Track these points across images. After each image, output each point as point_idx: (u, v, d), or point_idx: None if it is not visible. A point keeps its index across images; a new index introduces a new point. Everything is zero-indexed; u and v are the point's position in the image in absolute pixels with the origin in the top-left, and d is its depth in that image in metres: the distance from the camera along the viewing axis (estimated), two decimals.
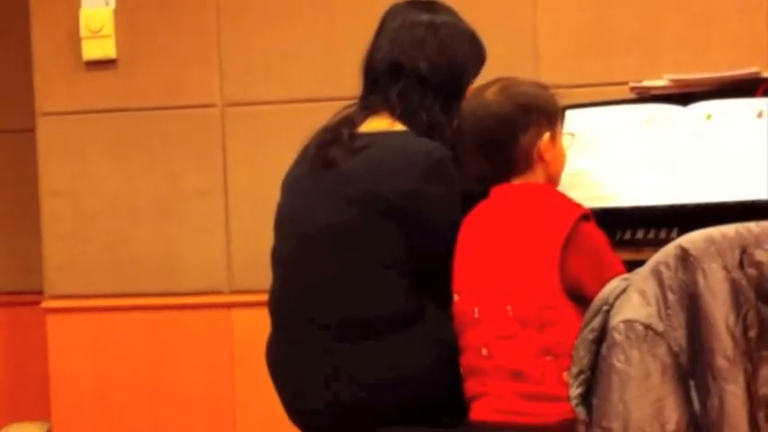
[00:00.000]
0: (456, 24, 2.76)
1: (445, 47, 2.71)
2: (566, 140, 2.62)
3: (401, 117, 2.68)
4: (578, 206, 2.47)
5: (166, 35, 3.86)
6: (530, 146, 2.52)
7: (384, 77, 2.72)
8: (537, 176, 2.54)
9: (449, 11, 2.79)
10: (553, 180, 2.57)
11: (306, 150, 2.77)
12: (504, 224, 2.49)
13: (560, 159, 2.59)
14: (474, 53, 2.77)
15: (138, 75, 3.88)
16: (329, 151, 2.67)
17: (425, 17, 2.73)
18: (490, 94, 2.56)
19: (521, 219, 2.47)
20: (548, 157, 2.53)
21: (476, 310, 2.46)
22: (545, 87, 2.60)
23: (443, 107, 2.67)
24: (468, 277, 2.50)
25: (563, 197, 2.52)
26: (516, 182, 2.53)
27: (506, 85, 2.56)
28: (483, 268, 2.48)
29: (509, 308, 2.41)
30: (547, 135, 2.53)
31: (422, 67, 2.68)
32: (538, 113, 2.53)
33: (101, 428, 3.91)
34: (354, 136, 2.68)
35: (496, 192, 2.54)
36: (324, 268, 2.61)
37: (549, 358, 2.36)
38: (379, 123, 2.70)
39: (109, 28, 3.86)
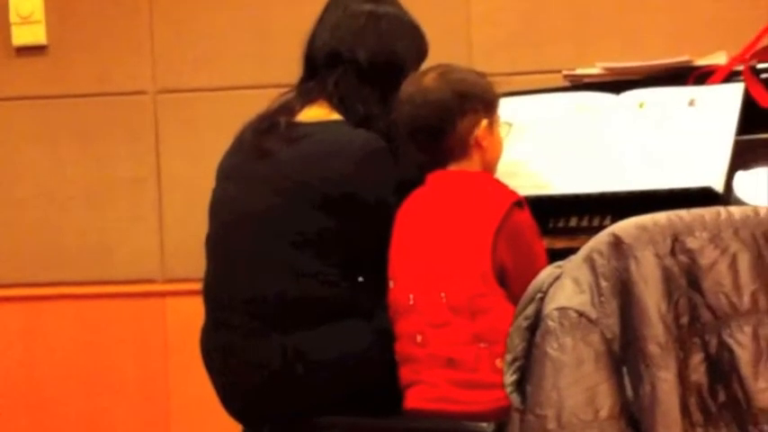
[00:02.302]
0: (398, 16, 2.75)
1: (385, 38, 2.70)
2: (503, 130, 2.63)
3: (338, 106, 2.67)
4: (512, 193, 2.47)
5: (98, 21, 3.82)
6: (467, 132, 2.52)
7: (322, 65, 2.72)
8: (473, 164, 2.54)
9: (393, 2, 2.78)
10: (489, 168, 2.57)
11: (241, 137, 2.75)
12: (438, 211, 2.49)
13: (497, 147, 2.59)
14: (414, 47, 2.76)
15: (68, 61, 3.84)
16: (265, 141, 2.66)
17: (368, 7, 2.72)
18: (428, 80, 2.55)
19: (455, 205, 2.48)
20: (485, 144, 2.53)
21: (410, 297, 2.46)
22: (482, 75, 2.60)
23: (380, 98, 2.66)
24: (404, 264, 2.50)
25: (498, 184, 2.52)
26: (453, 168, 2.53)
27: (444, 72, 2.56)
28: (418, 255, 2.47)
29: (443, 294, 2.41)
30: (484, 122, 2.53)
31: (360, 56, 2.68)
32: (476, 100, 2.53)
33: (32, 419, 3.87)
34: (292, 125, 2.66)
35: (432, 178, 2.54)
36: (244, 255, 2.60)
37: (482, 345, 2.37)
38: (317, 112, 2.69)
39: (39, 14, 3.81)
